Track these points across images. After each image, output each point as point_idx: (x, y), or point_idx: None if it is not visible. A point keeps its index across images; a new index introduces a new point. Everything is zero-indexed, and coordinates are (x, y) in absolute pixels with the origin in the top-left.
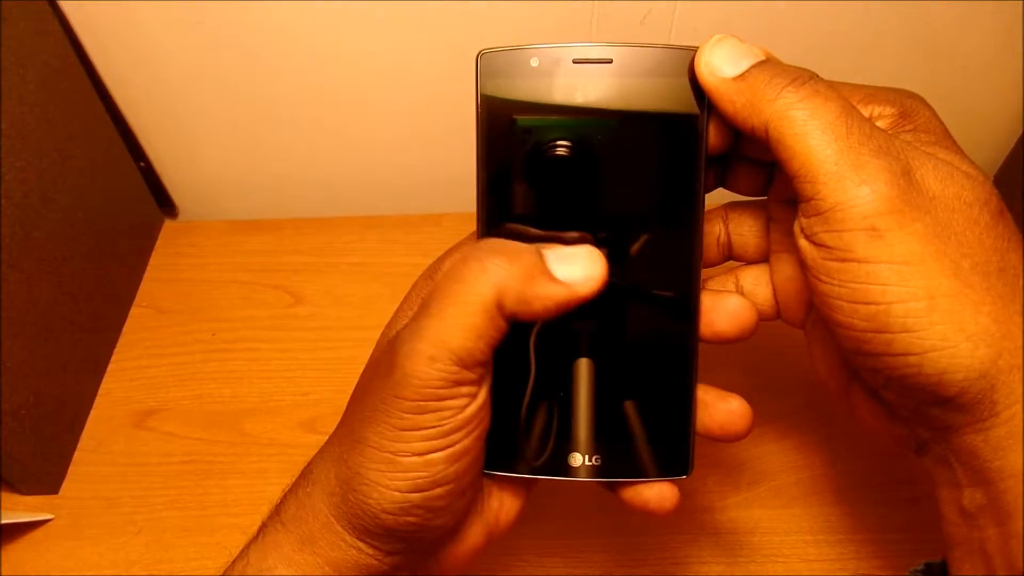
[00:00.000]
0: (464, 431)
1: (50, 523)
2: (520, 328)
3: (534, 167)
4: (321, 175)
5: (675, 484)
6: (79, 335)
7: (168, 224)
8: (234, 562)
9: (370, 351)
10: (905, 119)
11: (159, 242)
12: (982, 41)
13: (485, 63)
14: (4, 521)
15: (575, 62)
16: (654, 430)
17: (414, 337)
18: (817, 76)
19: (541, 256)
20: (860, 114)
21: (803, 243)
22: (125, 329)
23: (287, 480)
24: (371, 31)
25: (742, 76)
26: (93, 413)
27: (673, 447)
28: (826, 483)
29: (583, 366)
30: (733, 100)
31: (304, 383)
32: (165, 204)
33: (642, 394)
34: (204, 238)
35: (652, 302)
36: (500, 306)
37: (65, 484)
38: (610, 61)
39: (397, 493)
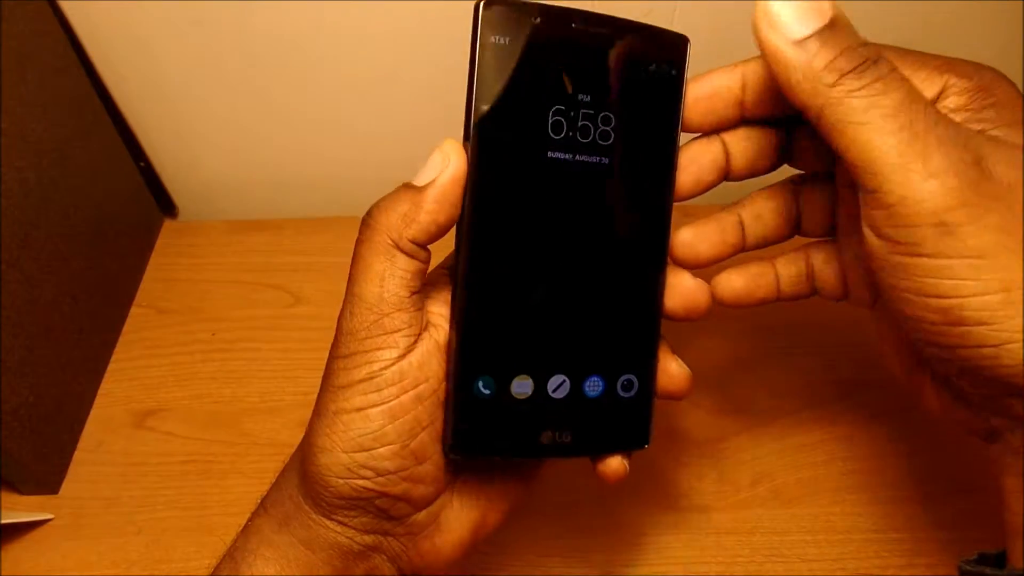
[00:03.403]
0: (399, 386)
1: (50, 523)
2: (488, 306)
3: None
4: (321, 175)
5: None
6: (79, 335)
7: (168, 224)
8: (225, 553)
9: None
10: (983, 92)
11: (159, 242)
12: (982, 41)
13: (486, 13)
14: (4, 521)
15: (574, 26)
16: (620, 406)
17: (342, 304)
18: (883, 56)
19: (410, 183)
20: (926, 101)
21: (868, 234)
22: (125, 329)
23: None
24: (371, 31)
25: (803, 44)
26: (93, 413)
27: (636, 421)
28: (827, 483)
29: (552, 342)
30: (789, 73)
31: (304, 383)
32: (165, 204)
33: (608, 370)
34: (204, 238)
35: (619, 280)
36: (396, 241)
37: (65, 484)
38: (606, 31)
39: (343, 454)
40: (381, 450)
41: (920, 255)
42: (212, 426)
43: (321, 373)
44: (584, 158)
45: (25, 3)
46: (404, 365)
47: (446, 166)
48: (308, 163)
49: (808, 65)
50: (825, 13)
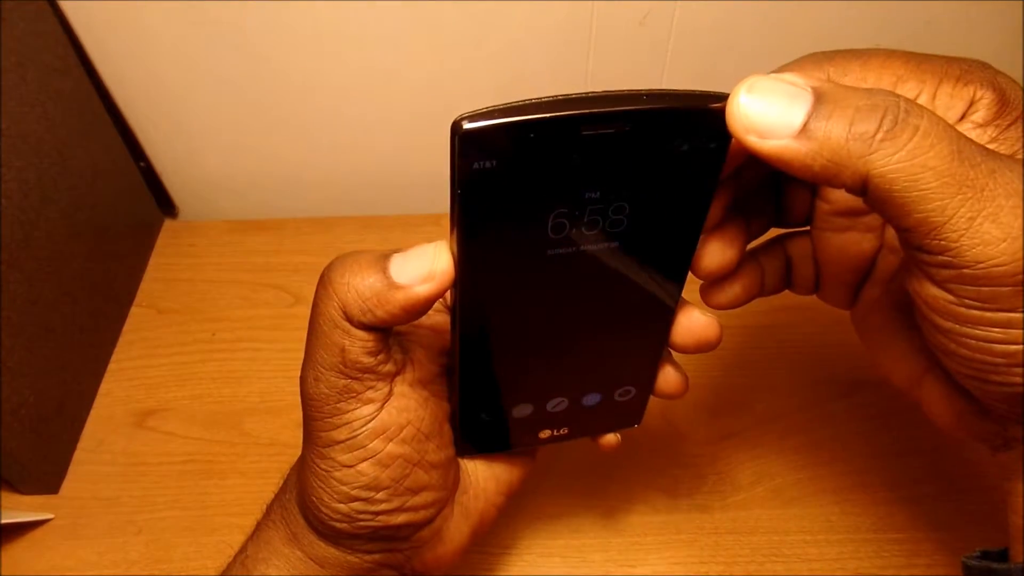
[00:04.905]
0: (383, 438)
1: (50, 523)
2: (492, 323)
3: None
4: (321, 175)
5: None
6: (79, 335)
7: (168, 224)
8: (235, 556)
9: None
10: (1006, 107)
11: (159, 242)
12: (982, 41)
13: (467, 141)
14: (4, 521)
15: (584, 133)
16: (616, 406)
17: (303, 365)
18: (900, 100)
19: (386, 263)
20: (971, 142)
21: (926, 285)
22: (125, 329)
23: None
24: (371, 31)
25: (806, 132)
26: (93, 413)
27: (631, 411)
28: (826, 483)
29: (552, 380)
30: (807, 164)
31: None
32: (165, 204)
33: (607, 388)
34: (204, 238)
35: (625, 331)
36: (348, 319)
37: (65, 484)
38: (627, 128)
39: (340, 504)
40: (377, 495)
41: (992, 310)
42: (212, 426)
43: None
44: (589, 247)
45: (25, 3)
46: (384, 416)
47: (428, 280)
48: (308, 163)
49: (826, 146)
50: (804, 89)
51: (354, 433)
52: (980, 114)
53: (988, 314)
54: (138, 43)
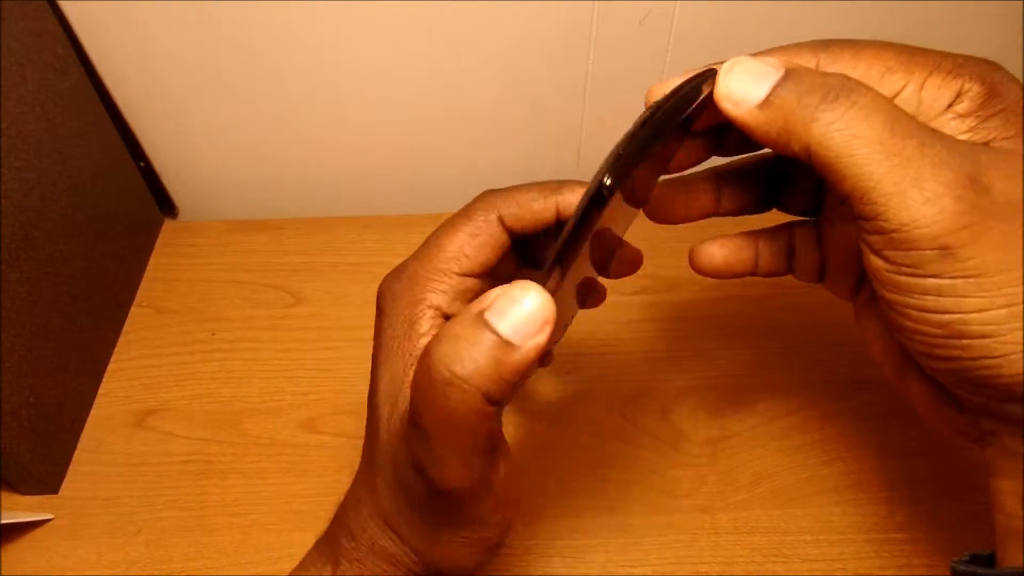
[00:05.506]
0: (514, 479)
1: (50, 523)
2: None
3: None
4: (321, 175)
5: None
6: (79, 335)
7: (168, 224)
8: None
9: (369, 351)
10: (993, 99)
11: (159, 242)
12: (982, 41)
13: (610, 193)
14: (4, 521)
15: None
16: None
17: (435, 466)
18: (850, 81)
19: (491, 327)
20: (909, 119)
21: (867, 253)
22: (125, 329)
23: (287, 480)
24: (371, 31)
25: (767, 101)
26: (93, 413)
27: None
28: (826, 483)
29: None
30: (766, 130)
31: (304, 383)
32: (165, 204)
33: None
34: (204, 238)
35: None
36: (490, 403)
37: (65, 484)
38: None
39: (482, 556)
40: (509, 532)
41: (921, 276)
42: (212, 426)
43: (321, 373)
44: (617, 212)
45: (25, 3)
46: (508, 460)
47: (545, 327)
48: (308, 163)
49: (779, 114)
50: (776, 69)
51: (498, 496)
52: (963, 105)
53: (919, 280)
54: (138, 43)
